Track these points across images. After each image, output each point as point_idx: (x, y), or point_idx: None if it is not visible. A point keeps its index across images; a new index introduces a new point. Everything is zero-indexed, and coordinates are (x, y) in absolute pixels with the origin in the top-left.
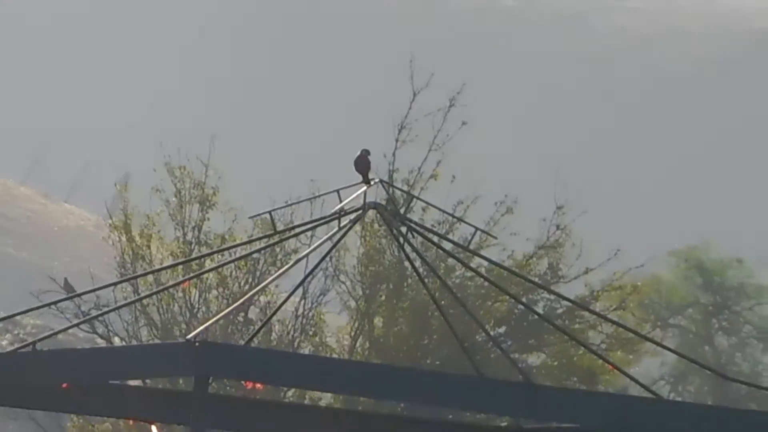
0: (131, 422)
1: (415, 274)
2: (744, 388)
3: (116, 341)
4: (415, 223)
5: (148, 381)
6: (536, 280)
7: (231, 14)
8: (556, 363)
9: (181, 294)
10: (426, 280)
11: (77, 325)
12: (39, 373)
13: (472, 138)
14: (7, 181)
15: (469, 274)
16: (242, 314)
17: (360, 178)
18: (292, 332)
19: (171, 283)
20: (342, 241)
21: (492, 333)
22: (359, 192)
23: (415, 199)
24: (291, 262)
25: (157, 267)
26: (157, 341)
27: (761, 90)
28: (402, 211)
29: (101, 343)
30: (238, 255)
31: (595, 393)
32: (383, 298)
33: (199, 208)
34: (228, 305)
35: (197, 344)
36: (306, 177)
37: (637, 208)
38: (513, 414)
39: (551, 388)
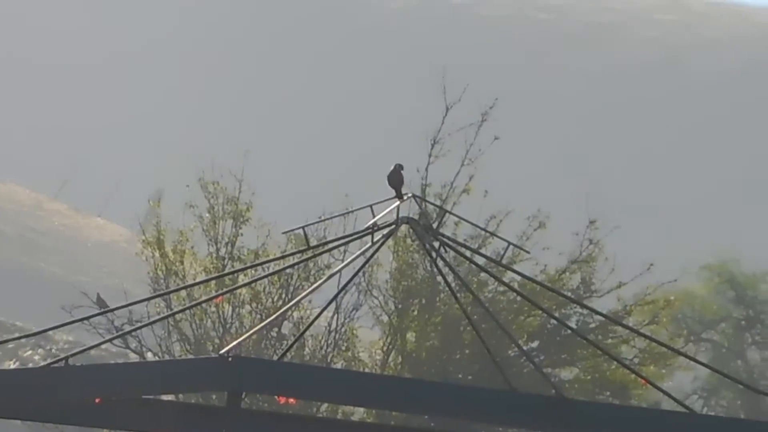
0: None
1: (447, 288)
2: None
3: (149, 356)
4: (448, 238)
5: (180, 396)
6: (569, 294)
7: (266, 28)
8: (588, 377)
9: (214, 309)
10: (458, 295)
11: (111, 340)
12: (71, 388)
13: (504, 152)
14: (39, 195)
15: (502, 288)
16: (275, 329)
17: (393, 192)
18: (324, 347)
19: (204, 298)
20: (375, 256)
21: (524, 347)
22: (392, 207)
23: (447, 214)
24: (324, 277)
25: (190, 282)
26: (189, 356)
27: None
28: (434, 225)
29: (134, 358)
30: (271, 270)
31: (627, 407)
32: (415, 312)
33: (233, 224)
34: (261, 320)
35: (230, 359)
36: (339, 192)
37: (669, 221)
38: (545, 428)
39: (584, 403)
